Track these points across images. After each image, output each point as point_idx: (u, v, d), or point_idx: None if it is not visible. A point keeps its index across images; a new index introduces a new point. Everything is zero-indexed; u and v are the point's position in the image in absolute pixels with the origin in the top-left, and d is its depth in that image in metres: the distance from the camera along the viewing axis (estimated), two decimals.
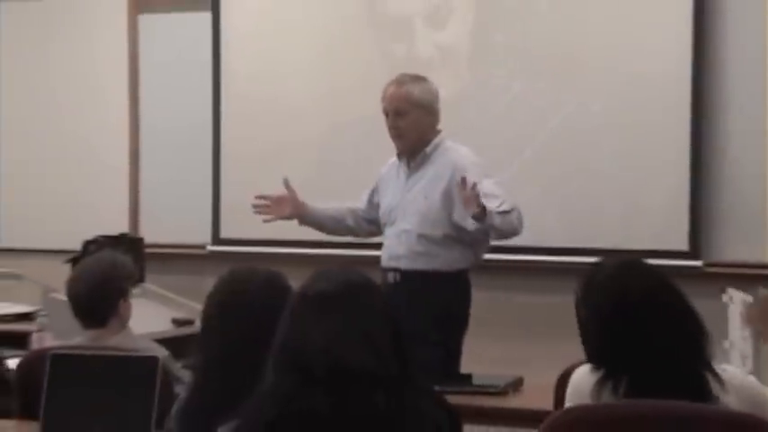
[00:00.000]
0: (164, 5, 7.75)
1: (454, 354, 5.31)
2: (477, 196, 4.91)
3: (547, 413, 3.56)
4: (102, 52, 7.92)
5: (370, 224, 5.66)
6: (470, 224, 5.05)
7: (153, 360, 3.96)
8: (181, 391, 3.88)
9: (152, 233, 7.44)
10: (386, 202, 5.49)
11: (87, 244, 6.34)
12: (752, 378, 3.34)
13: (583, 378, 3.29)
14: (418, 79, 5.46)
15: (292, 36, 7.20)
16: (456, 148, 5.42)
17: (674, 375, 3.09)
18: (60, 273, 6.31)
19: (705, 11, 6.38)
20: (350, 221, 5.70)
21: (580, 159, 6.61)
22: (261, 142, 7.28)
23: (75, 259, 6.10)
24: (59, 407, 3.95)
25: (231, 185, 7.30)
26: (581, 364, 3.41)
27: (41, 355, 4.29)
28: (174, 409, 3.46)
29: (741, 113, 6.39)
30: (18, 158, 8.09)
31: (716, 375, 3.08)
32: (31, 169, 8.05)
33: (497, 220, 5.00)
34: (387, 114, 5.39)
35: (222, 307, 3.32)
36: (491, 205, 5.01)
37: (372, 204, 5.62)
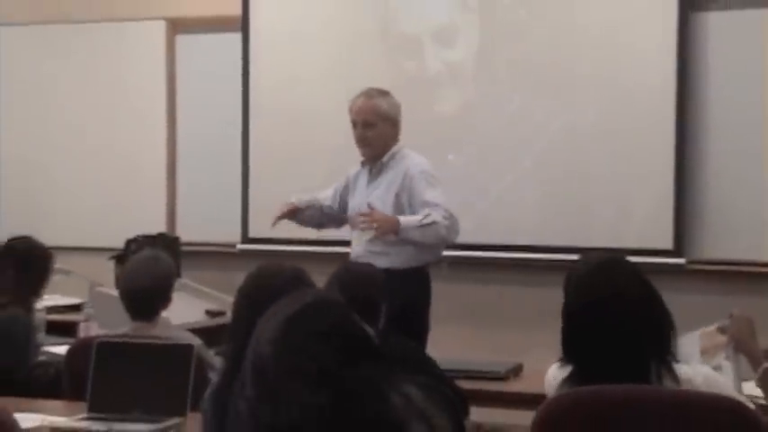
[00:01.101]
0: (199, 27, 7.76)
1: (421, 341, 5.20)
2: (372, 221, 5.04)
3: (544, 397, 3.58)
4: (144, 69, 7.93)
5: (326, 217, 5.63)
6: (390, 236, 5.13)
7: (188, 348, 4.00)
8: (213, 376, 3.92)
9: (187, 233, 7.46)
10: (352, 204, 5.44)
11: (129, 243, 6.37)
12: (717, 376, 3.26)
13: (553, 374, 3.31)
14: (384, 94, 5.43)
15: (313, 53, 7.21)
16: (411, 157, 5.38)
17: (626, 370, 3.07)
18: (105, 269, 6.37)
19: (688, 30, 6.39)
20: (322, 220, 5.68)
21: (574, 166, 6.61)
22: (285, 149, 7.29)
23: (119, 257, 6.14)
24: (104, 389, 3.98)
25: (259, 189, 7.31)
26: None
27: (88, 342, 4.33)
28: (207, 392, 3.48)
29: (722, 124, 6.40)
30: (69, 166, 8.10)
31: (671, 372, 3.04)
32: (80, 175, 8.06)
33: (416, 234, 5.01)
34: (355, 125, 5.36)
35: (251, 300, 3.34)
36: (414, 219, 5.07)
37: (340, 201, 5.53)
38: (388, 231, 5.09)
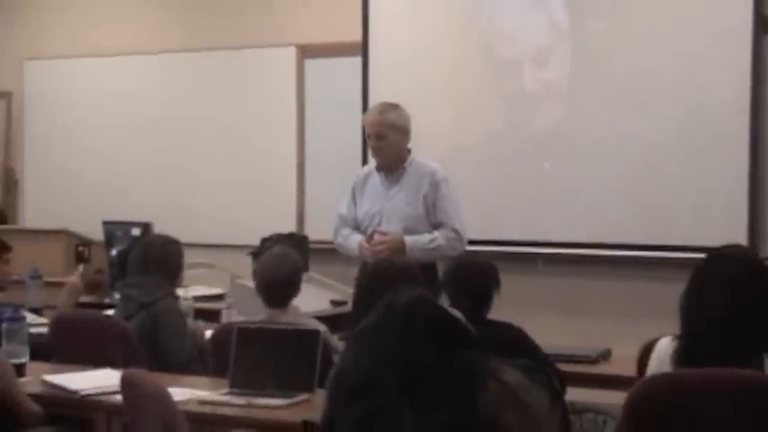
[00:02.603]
0: (325, 52, 7.81)
1: None
2: (383, 248, 5.03)
3: (630, 378, 3.56)
4: (278, 89, 7.99)
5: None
6: None
7: (315, 333, 4.04)
8: (336, 358, 3.95)
9: (314, 232, 7.49)
10: (365, 207, 5.35)
11: (264, 240, 6.40)
12: None
13: (665, 345, 3.27)
14: (394, 107, 5.36)
15: (424, 74, 7.20)
16: (427, 163, 5.35)
17: (731, 354, 3.03)
18: (243, 263, 6.44)
19: (761, 52, 6.28)
20: None
21: (656, 173, 6.52)
22: None
23: (255, 253, 6.18)
24: (243, 368, 4.04)
25: None
26: (659, 338, 3.38)
27: (229, 328, 4.39)
28: (331, 373, 3.51)
29: None
30: (214, 174, 8.21)
31: None
32: (223, 182, 8.16)
33: (420, 254, 4.96)
34: (369, 137, 5.31)
35: (368, 291, 3.36)
36: (420, 242, 5.09)
37: (354, 210, 5.44)
38: (395, 254, 5.02)
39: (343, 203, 5.49)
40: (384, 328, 1.72)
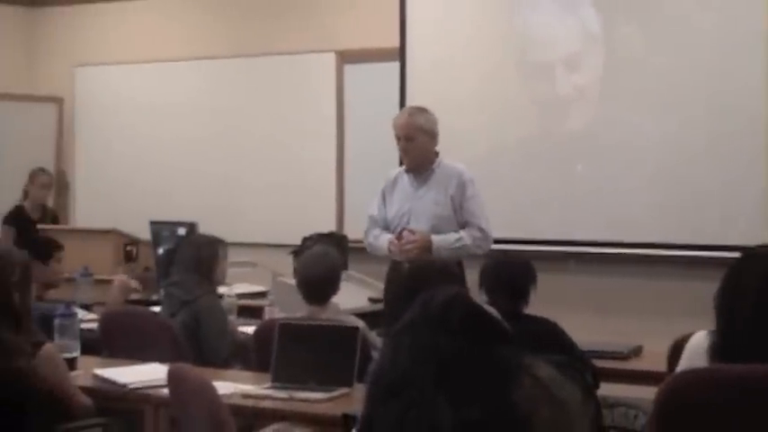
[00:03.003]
0: (363, 58, 7.82)
1: None
2: (412, 247, 5.05)
3: (661, 374, 3.54)
4: (318, 93, 8.01)
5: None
6: None
7: (354, 329, 4.04)
8: (375, 353, 3.95)
9: (353, 231, 7.50)
10: (395, 208, 5.37)
11: (305, 240, 6.41)
12: None
13: (699, 340, 3.25)
14: (422, 111, 5.38)
15: (459, 79, 7.19)
16: (454, 165, 5.36)
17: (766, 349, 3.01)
18: (285, 262, 6.45)
19: None
20: None
21: (685, 174, 6.48)
22: None
23: (296, 252, 6.18)
24: (285, 363, 4.05)
25: None
26: (690, 335, 3.36)
27: (272, 324, 4.40)
28: (370, 368, 3.51)
29: None
30: (258, 177, 8.24)
31: None
32: (266, 184, 8.20)
33: (446, 253, 4.93)
34: (398, 139, 5.31)
35: (406, 290, 3.36)
36: (446, 242, 5.09)
37: (384, 211, 5.44)
38: (422, 252, 5.06)
39: (373, 205, 5.51)
40: (421, 326, 1.71)
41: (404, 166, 5.43)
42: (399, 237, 5.21)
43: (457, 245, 5.14)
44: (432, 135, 5.32)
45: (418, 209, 5.28)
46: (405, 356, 1.69)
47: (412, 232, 5.19)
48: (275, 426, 1.45)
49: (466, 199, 5.25)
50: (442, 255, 4.92)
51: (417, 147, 5.28)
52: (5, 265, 2.81)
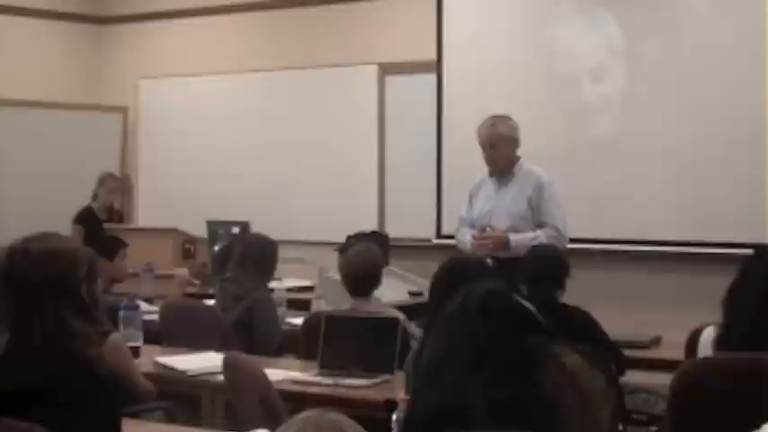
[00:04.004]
0: (403, 69, 7.83)
1: None
2: (492, 245, 5.07)
3: (679, 362, 3.52)
4: (362, 103, 8.03)
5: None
6: None
7: (395, 321, 4.05)
8: (414, 343, 3.96)
9: (394, 230, 7.53)
10: (479, 207, 5.38)
11: (349, 238, 6.41)
12: None
13: (708, 333, 3.26)
14: (505, 119, 5.38)
15: (492, 89, 7.16)
16: (533, 169, 5.35)
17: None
18: (331, 258, 6.47)
19: None
20: None
21: (702, 178, 6.46)
22: (472, 168, 7.21)
23: (341, 249, 6.19)
24: (331, 352, 4.06)
25: (450, 197, 7.29)
26: (705, 326, 3.37)
27: (319, 316, 4.42)
28: (409, 356, 3.52)
29: None
30: (306, 180, 8.27)
31: None
32: (313, 187, 8.22)
33: (522, 251, 4.80)
34: (484, 147, 5.33)
35: (443, 284, 3.36)
36: (523, 240, 5.04)
37: (471, 212, 5.44)
38: (498, 250, 5.08)
39: (463, 208, 5.56)
40: (459, 317, 1.74)
41: (487, 172, 5.45)
42: (481, 232, 5.22)
43: (533, 243, 5.12)
44: (512, 141, 5.34)
45: (498, 209, 5.31)
46: (443, 344, 1.72)
47: (492, 229, 5.21)
48: (307, 412, 1.46)
49: (543, 200, 5.25)
50: (520, 252, 4.87)
51: (499, 153, 5.31)
52: (75, 260, 2.84)
